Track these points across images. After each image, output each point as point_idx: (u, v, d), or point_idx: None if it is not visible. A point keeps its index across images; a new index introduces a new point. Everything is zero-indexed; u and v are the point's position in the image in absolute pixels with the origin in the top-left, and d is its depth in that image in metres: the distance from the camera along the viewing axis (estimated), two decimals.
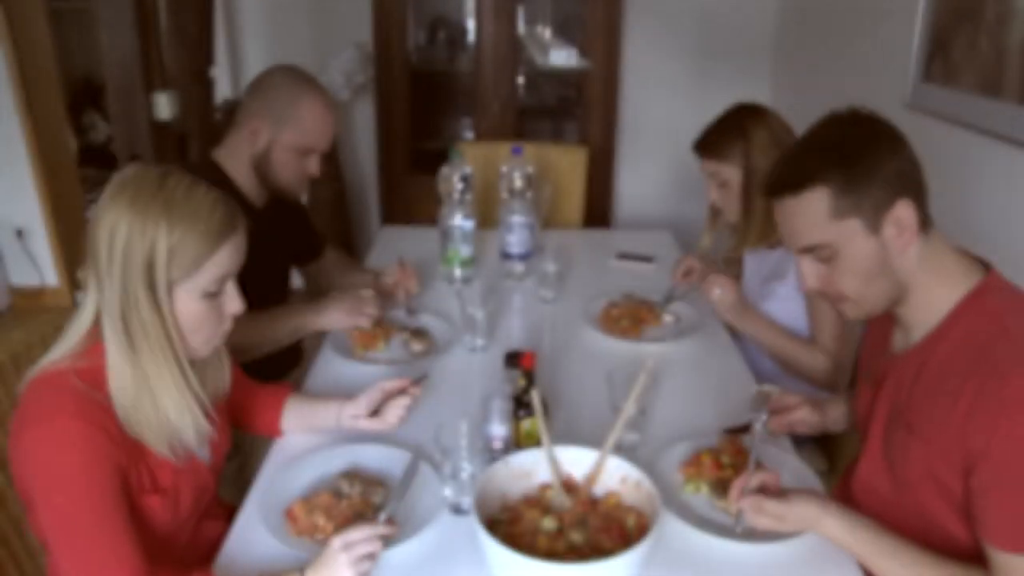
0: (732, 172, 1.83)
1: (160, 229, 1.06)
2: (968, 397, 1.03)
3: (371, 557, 1.07)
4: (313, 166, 1.80)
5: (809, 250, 1.14)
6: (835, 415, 1.47)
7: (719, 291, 1.72)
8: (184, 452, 1.17)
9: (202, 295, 1.13)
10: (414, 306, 1.92)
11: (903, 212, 1.07)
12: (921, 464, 1.12)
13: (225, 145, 1.80)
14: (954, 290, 1.11)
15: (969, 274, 1.12)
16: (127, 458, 1.09)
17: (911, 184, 1.09)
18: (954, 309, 1.10)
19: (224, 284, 1.16)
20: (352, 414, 1.41)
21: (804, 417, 1.43)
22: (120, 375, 1.09)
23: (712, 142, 1.85)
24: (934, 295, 1.12)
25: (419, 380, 1.46)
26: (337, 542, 1.05)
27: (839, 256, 1.11)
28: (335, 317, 1.75)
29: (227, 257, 1.13)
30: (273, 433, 1.45)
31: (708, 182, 1.89)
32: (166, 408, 1.12)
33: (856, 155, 1.08)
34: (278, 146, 1.74)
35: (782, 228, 1.17)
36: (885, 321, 1.24)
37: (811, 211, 1.10)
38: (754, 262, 1.94)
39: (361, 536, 1.06)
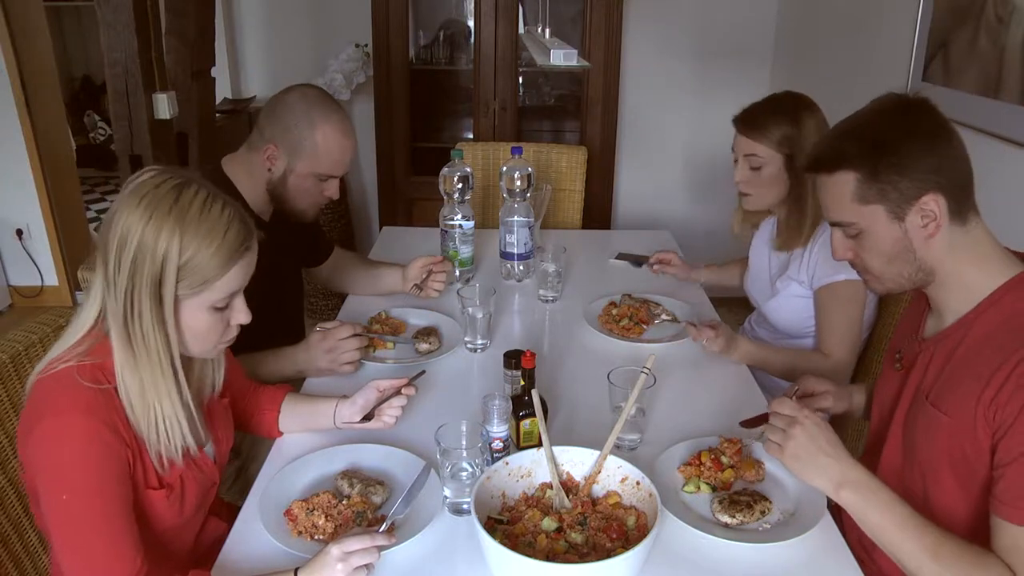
0: (770, 157, 1.74)
1: (172, 246, 1.04)
2: (1004, 372, 1.04)
3: (367, 567, 1.07)
4: (332, 190, 1.77)
5: (838, 224, 1.20)
6: (858, 400, 1.50)
7: (704, 343, 1.67)
8: (169, 461, 1.14)
9: (209, 309, 1.12)
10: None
11: (930, 205, 1.10)
12: (944, 440, 1.12)
13: (237, 160, 1.75)
14: (992, 277, 1.12)
15: (1010, 264, 1.14)
16: (132, 454, 1.09)
17: (947, 179, 1.10)
18: (993, 293, 1.12)
19: (233, 299, 1.14)
20: (345, 418, 1.41)
21: (828, 406, 1.44)
22: (124, 375, 1.08)
23: (758, 121, 1.74)
24: (970, 281, 1.14)
25: (414, 378, 1.45)
26: (335, 550, 1.04)
27: (864, 235, 1.16)
28: (319, 371, 1.64)
29: (237, 276, 1.12)
30: (272, 434, 1.45)
31: (740, 161, 1.79)
32: (158, 417, 1.10)
33: (890, 146, 1.11)
34: (294, 175, 1.70)
35: (820, 200, 1.23)
36: (919, 307, 1.26)
37: (839, 192, 1.15)
38: (761, 241, 1.96)
39: (360, 546, 1.05)
